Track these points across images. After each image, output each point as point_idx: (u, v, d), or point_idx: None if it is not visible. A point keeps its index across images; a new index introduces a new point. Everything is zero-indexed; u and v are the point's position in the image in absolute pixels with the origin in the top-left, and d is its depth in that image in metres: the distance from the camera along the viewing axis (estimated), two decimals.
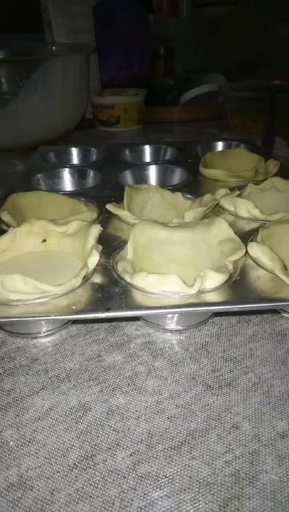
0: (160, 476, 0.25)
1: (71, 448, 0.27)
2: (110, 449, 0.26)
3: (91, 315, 0.31)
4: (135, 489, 0.24)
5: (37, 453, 0.26)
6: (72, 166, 0.64)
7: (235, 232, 0.39)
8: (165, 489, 0.24)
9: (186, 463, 0.26)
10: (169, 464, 0.26)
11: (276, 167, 0.57)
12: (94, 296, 0.33)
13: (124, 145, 0.72)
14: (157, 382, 0.31)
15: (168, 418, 0.28)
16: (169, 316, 0.35)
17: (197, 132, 0.99)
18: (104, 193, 0.53)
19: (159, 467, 0.25)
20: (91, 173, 0.60)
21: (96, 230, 0.39)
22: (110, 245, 0.40)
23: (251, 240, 0.39)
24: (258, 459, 0.26)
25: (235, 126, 0.98)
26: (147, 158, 0.70)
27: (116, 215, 0.45)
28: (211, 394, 0.30)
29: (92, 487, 0.24)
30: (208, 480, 0.25)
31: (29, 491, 0.24)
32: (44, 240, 0.41)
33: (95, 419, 0.28)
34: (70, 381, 0.31)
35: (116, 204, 0.46)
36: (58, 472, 0.25)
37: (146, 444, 0.27)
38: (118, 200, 0.48)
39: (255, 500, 0.24)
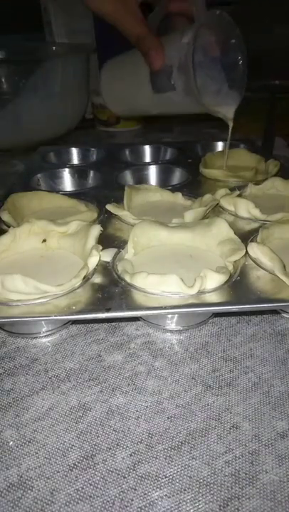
0: (160, 476, 0.25)
1: (71, 448, 0.27)
2: (110, 449, 0.27)
3: (91, 315, 0.31)
4: (135, 489, 0.24)
5: (37, 453, 0.26)
6: (72, 166, 0.64)
7: (235, 233, 0.39)
8: (165, 489, 0.24)
9: (186, 463, 0.26)
10: (169, 463, 0.26)
11: (276, 167, 0.57)
12: (94, 297, 0.33)
13: (124, 145, 0.72)
14: (157, 382, 0.31)
15: (168, 418, 0.28)
16: (169, 316, 0.35)
17: (197, 132, 0.99)
18: (104, 193, 0.53)
19: (159, 467, 0.25)
20: (91, 173, 0.60)
21: (96, 230, 0.39)
22: (110, 245, 0.40)
23: (251, 241, 0.39)
24: (258, 459, 0.26)
25: (235, 126, 0.98)
26: (147, 158, 0.70)
27: (116, 215, 0.45)
28: (211, 394, 0.30)
29: (92, 487, 0.24)
30: (208, 480, 0.25)
31: (29, 491, 0.24)
32: (44, 240, 0.41)
33: (95, 419, 0.28)
34: (70, 381, 0.31)
35: (116, 204, 0.46)
36: (58, 472, 0.25)
37: (146, 444, 0.27)
38: (118, 200, 0.48)
39: (255, 500, 0.24)
